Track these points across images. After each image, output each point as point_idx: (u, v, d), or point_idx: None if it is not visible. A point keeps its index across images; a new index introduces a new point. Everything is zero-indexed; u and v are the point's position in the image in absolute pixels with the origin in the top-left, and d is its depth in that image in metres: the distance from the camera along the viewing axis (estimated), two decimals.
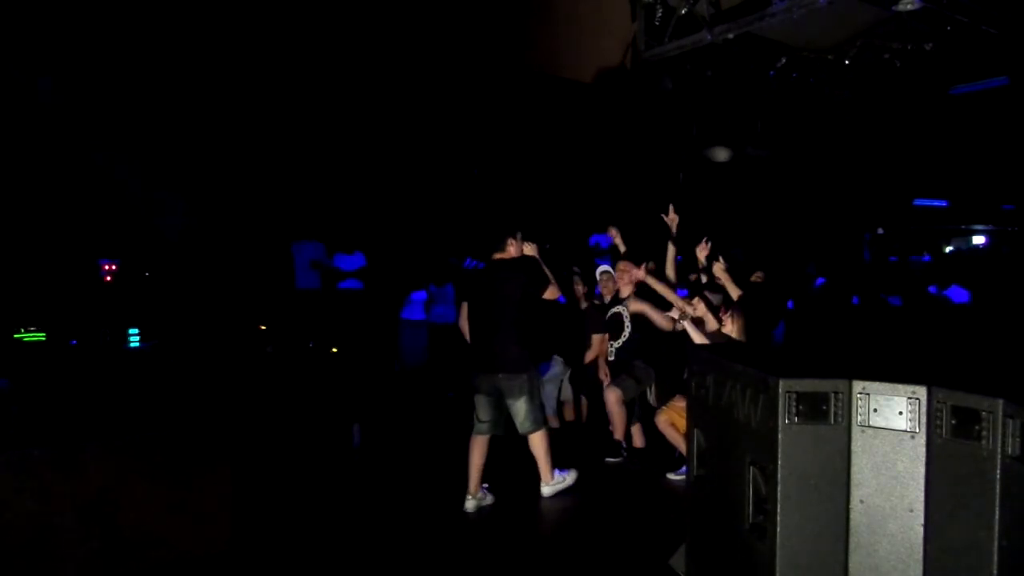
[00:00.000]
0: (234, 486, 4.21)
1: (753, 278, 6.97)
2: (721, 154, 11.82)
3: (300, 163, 10.50)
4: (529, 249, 5.18)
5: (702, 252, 5.75)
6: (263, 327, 8.91)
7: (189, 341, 8.37)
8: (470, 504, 5.03)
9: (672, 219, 5.89)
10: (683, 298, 5.59)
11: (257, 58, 9.28)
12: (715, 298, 5.22)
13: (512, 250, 5.15)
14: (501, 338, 4.99)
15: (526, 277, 5.04)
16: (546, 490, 5.23)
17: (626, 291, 6.10)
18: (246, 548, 4.23)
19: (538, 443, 5.11)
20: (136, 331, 7.93)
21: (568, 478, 5.30)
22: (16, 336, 7.53)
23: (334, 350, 8.70)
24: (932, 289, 10.62)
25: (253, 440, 5.58)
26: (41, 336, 7.67)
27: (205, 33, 8.81)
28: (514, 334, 4.98)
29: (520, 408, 5.00)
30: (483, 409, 5.08)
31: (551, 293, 5.13)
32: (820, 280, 11.57)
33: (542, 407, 5.19)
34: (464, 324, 5.28)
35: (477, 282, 5.25)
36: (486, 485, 5.17)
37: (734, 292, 5.26)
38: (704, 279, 5.82)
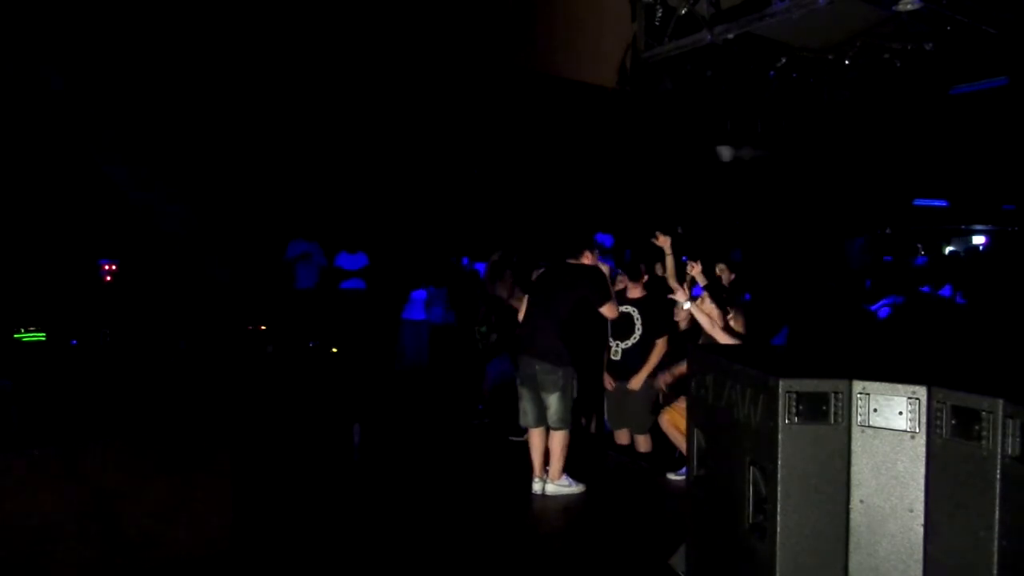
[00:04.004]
0: (234, 486, 4.20)
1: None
2: (726, 153, 11.83)
3: (301, 163, 10.50)
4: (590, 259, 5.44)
5: (694, 270, 5.76)
6: (263, 327, 8.90)
7: (189, 341, 8.35)
8: (536, 487, 5.29)
9: (663, 241, 6.04)
10: (696, 297, 5.58)
11: (258, 58, 9.27)
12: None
13: (586, 261, 5.40)
14: (547, 330, 5.23)
15: (590, 284, 5.28)
16: (549, 488, 5.28)
17: (635, 293, 6.11)
18: (246, 548, 4.23)
19: (558, 442, 5.28)
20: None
21: (575, 488, 5.34)
22: (16, 336, 7.51)
23: (334, 350, 8.68)
24: (928, 290, 10.59)
25: (253, 440, 5.57)
26: (41, 336, 7.65)
27: (207, 33, 8.80)
28: (559, 330, 5.22)
29: (553, 402, 5.23)
30: (528, 402, 5.36)
31: (609, 310, 5.33)
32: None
33: (572, 408, 5.37)
34: (522, 316, 5.50)
35: (543, 278, 5.46)
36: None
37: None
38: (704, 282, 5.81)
